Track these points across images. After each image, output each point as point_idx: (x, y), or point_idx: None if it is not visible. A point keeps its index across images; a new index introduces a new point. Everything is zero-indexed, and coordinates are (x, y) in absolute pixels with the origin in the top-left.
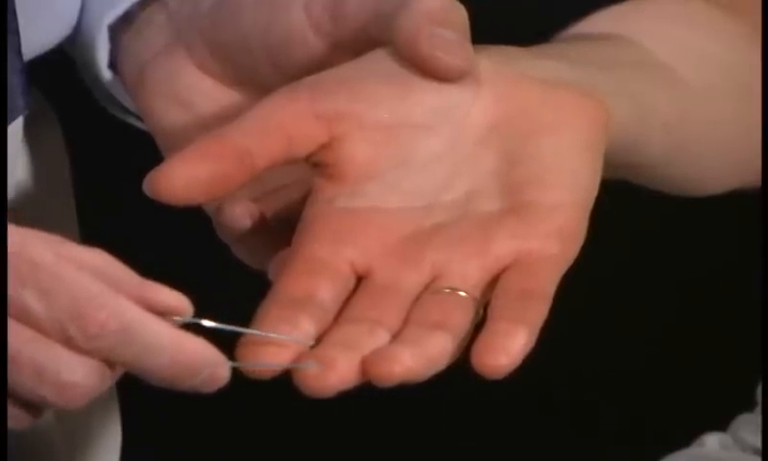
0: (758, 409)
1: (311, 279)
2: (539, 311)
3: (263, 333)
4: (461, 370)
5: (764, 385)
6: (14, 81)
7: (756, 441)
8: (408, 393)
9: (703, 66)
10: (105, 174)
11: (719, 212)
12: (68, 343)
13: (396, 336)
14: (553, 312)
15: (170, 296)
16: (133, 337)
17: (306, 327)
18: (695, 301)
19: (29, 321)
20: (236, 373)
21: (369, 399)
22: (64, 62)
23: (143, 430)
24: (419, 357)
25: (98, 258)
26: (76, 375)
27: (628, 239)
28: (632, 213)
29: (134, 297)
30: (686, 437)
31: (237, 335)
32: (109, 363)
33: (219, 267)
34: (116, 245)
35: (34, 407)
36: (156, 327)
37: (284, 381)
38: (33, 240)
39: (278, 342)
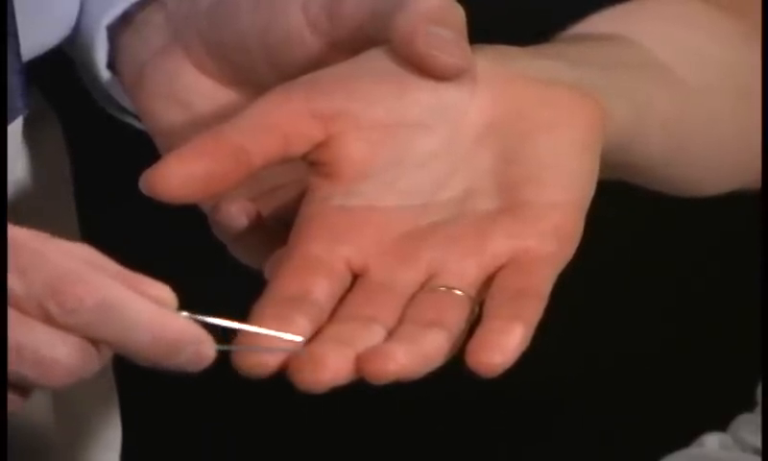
0: (758, 409)
1: (307, 277)
2: (534, 310)
3: (255, 329)
4: (456, 368)
5: (764, 385)
6: (14, 81)
7: (756, 441)
8: (402, 391)
9: (702, 67)
10: (105, 173)
11: (718, 213)
12: (48, 320)
13: (391, 334)
14: (550, 311)
15: (154, 287)
16: (113, 313)
17: (302, 325)
18: (695, 301)
19: (8, 299)
20: (236, 371)
21: (363, 396)
22: (64, 62)
23: (143, 428)
24: (413, 355)
25: (84, 251)
26: (56, 352)
27: (626, 239)
28: (629, 213)
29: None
30: (686, 437)
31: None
32: (93, 341)
33: (215, 266)
34: (116, 244)
35: (19, 388)
36: (137, 304)
37: (283, 381)
38: (14, 227)
39: (272, 338)
